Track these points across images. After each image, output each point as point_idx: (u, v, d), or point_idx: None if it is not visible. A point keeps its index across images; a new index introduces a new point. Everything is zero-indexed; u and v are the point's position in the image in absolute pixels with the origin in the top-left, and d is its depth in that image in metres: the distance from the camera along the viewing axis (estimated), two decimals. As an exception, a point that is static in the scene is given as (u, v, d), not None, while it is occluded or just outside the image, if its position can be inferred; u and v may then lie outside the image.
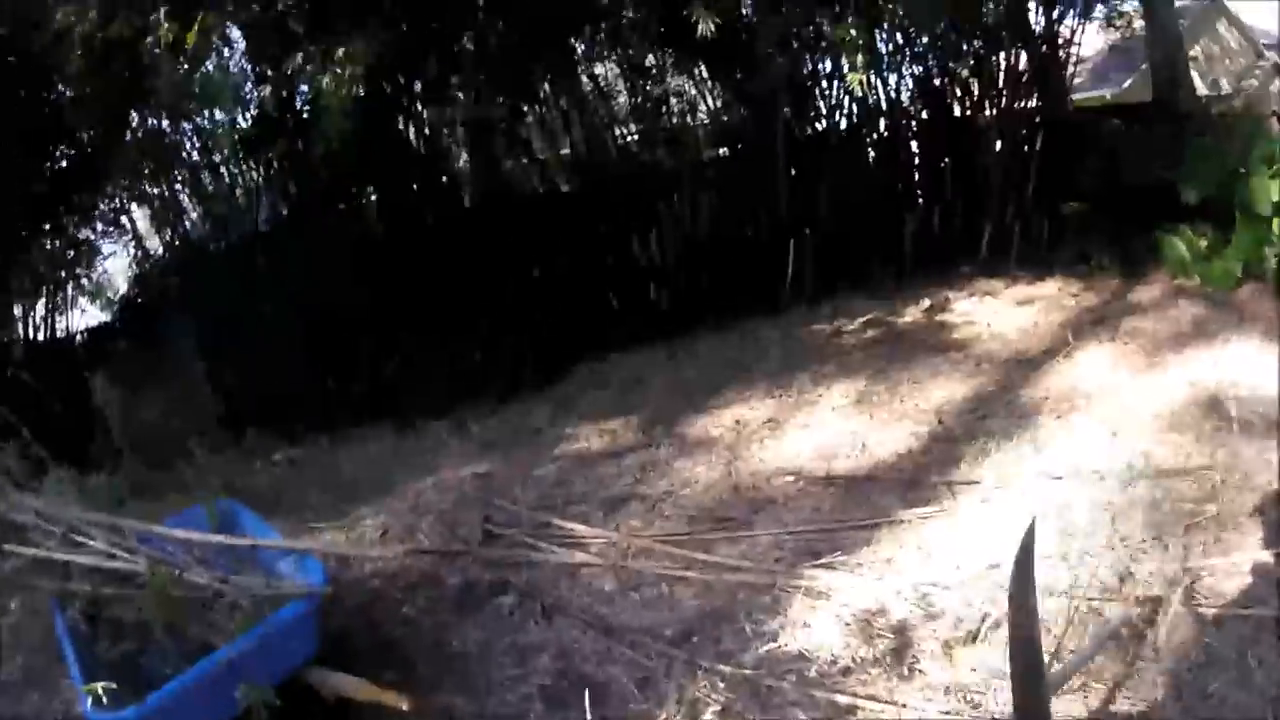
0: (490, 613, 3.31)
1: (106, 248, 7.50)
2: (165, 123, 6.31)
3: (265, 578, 2.82)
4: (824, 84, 6.36)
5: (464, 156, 5.84)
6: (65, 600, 2.88)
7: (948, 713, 2.32)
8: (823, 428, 4.31)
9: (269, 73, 4.90)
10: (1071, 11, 5.91)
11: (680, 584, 3.19)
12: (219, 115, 6.00)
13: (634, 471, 4.30)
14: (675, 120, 6.58)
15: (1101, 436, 3.57)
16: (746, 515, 3.63)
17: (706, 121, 6.56)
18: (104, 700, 2.31)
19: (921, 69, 6.18)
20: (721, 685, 2.60)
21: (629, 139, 6.64)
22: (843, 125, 6.33)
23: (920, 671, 2.49)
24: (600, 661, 2.89)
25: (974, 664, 2.47)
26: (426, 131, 6.21)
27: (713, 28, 4.62)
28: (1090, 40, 6.13)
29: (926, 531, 3.20)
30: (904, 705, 2.36)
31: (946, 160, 6.11)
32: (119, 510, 3.16)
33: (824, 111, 6.40)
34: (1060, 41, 5.94)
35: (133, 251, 7.34)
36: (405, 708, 2.57)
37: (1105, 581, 2.67)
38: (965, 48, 6.05)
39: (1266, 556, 2.62)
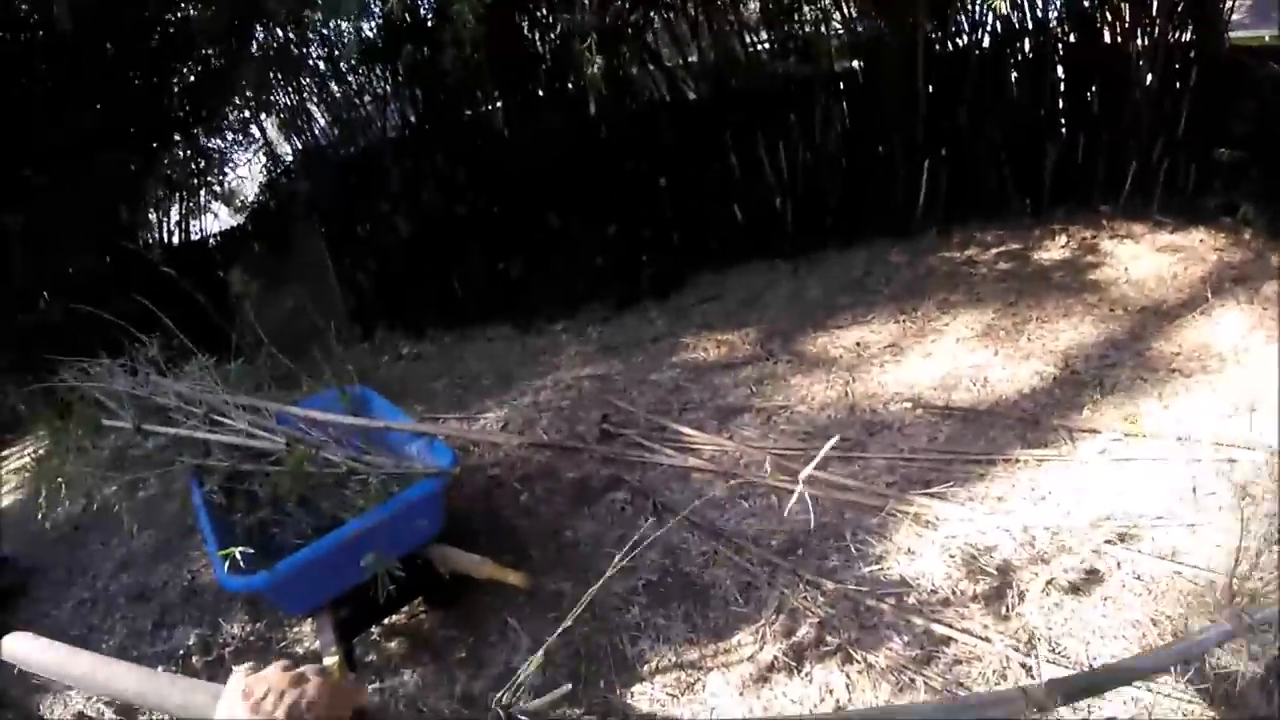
0: (603, 508, 3.49)
1: (238, 156, 7.88)
2: (290, 34, 6.44)
3: (395, 458, 2.97)
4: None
5: (592, 64, 5.79)
6: (203, 475, 3.00)
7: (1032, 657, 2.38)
8: (945, 357, 4.25)
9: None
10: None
11: (789, 497, 3.29)
12: (344, 25, 6.05)
13: (750, 384, 4.36)
14: (808, 28, 6.35)
15: (1230, 402, 3.37)
16: (861, 436, 3.66)
17: (841, 31, 6.30)
18: (241, 564, 2.43)
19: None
20: (821, 599, 2.70)
21: (759, 47, 6.45)
22: (986, 43, 5.98)
23: (1018, 614, 2.51)
24: (705, 564, 3.03)
25: (1069, 615, 2.48)
26: (554, 37, 6.18)
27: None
28: None
29: (1041, 474, 3.16)
30: (991, 643, 2.42)
31: (1093, 90, 5.76)
32: (257, 395, 3.29)
33: (965, 27, 6.06)
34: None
35: (263, 159, 7.67)
36: (522, 586, 2.76)
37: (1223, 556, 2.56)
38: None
39: None
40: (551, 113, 6.15)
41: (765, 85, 6.22)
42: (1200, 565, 2.54)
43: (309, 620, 3.06)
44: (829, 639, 2.53)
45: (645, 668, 2.61)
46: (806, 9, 6.20)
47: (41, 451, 5.89)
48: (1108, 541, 2.71)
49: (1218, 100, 5.22)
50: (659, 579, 2.99)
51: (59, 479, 3.20)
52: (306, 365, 3.86)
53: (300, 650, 3.07)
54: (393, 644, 3.00)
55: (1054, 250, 5.33)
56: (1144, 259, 4.92)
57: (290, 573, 2.49)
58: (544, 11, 6.00)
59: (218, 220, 8.12)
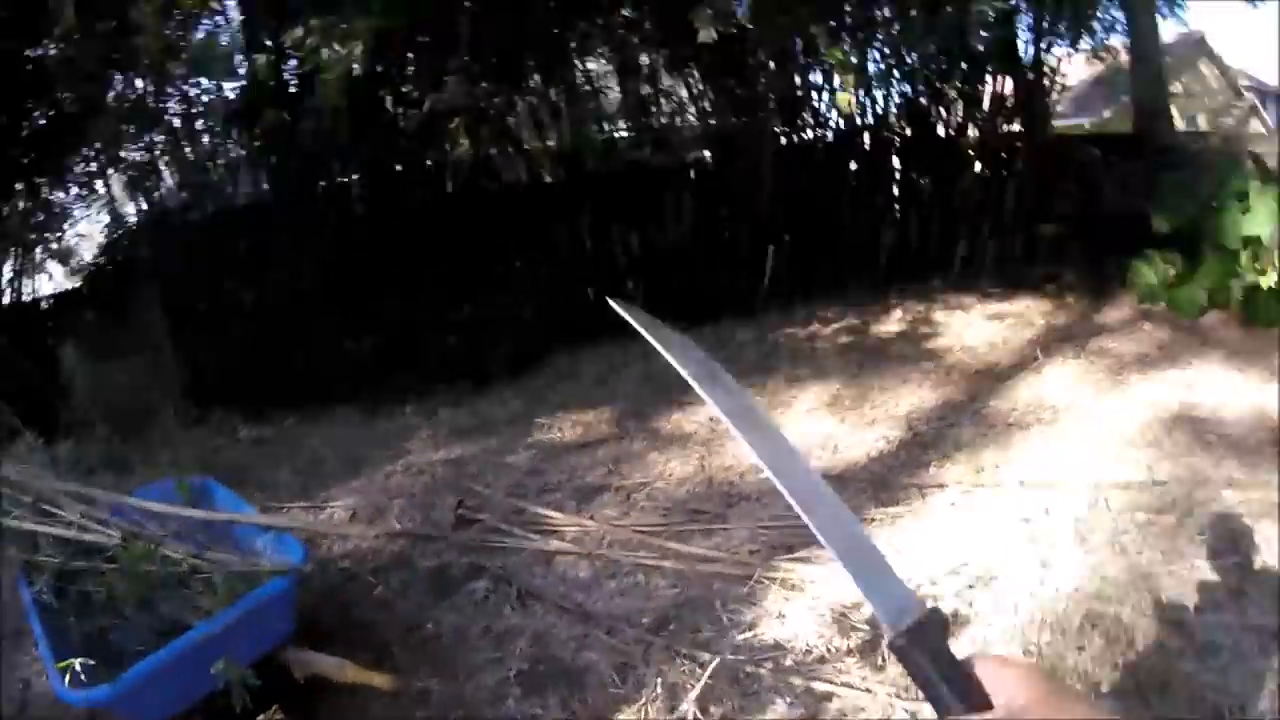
0: (464, 598, 3.31)
1: (79, 212, 7.29)
2: (150, 86, 6.14)
3: (241, 554, 2.76)
4: (813, 95, 6.45)
5: (452, 143, 5.78)
6: (33, 572, 2.75)
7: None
8: (795, 428, 4.39)
9: (267, 42, 4.80)
10: (1059, 42, 6.08)
11: (656, 574, 3.24)
12: (205, 83, 5.85)
13: (607, 463, 4.33)
14: (664, 120, 6.61)
15: (1065, 448, 3.69)
16: (721, 509, 3.69)
17: (695, 123, 6.59)
18: (81, 677, 2.22)
19: (909, 88, 6.30)
20: (699, 671, 2.64)
21: (616, 135, 6.65)
22: (829, 137, 6.43)
23: (893, 663, 2.55)
24: (578, 648, 2.91)
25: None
26: (417, 113, 6.16)
27: (714, 35, 4.64)
28: (1073, 70, 6.30)
29: (896, 531, 3.29)
30: (874, 694, 2.44)
31: (927, 178, 6.26)
32: (88, 480, 3.07)
33: (810, 123, 6.50)
34: (1046, 70, 6.09)
35: (106, 217, 7.17)
36: (387, 688, 2.57)
37: (1074, 586, 2.77)
38: (953, 70, 6.18)
39: (1209, 569, 2.75)
40: (409, 189, 6.07)
41: (620, 171, 6.40)
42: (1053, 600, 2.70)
43: None
44: (713, 709, 2.48)
45: (525, 763, 2.44)
46: (663, 102, 6.43)
47: None
48: (969, 586, 2.81)
49: (1042, 181, 5.78)
50: (530, 668, 2.84)
51: None
52: (141, 447, 3.57)
53: None
54: None
55: (891, 324, 5.66)
56: (976, 326, 5.29)
57: (134, 684, 2.24)
58: (409, 87, 5.96)
59: (51, 281, 7.46)
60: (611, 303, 0.95)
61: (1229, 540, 2.86)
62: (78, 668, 2.19)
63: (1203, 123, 11.86)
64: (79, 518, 2.81)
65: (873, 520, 3.36)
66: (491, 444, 4.84)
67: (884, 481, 3.70)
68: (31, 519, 2.81)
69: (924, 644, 0.62)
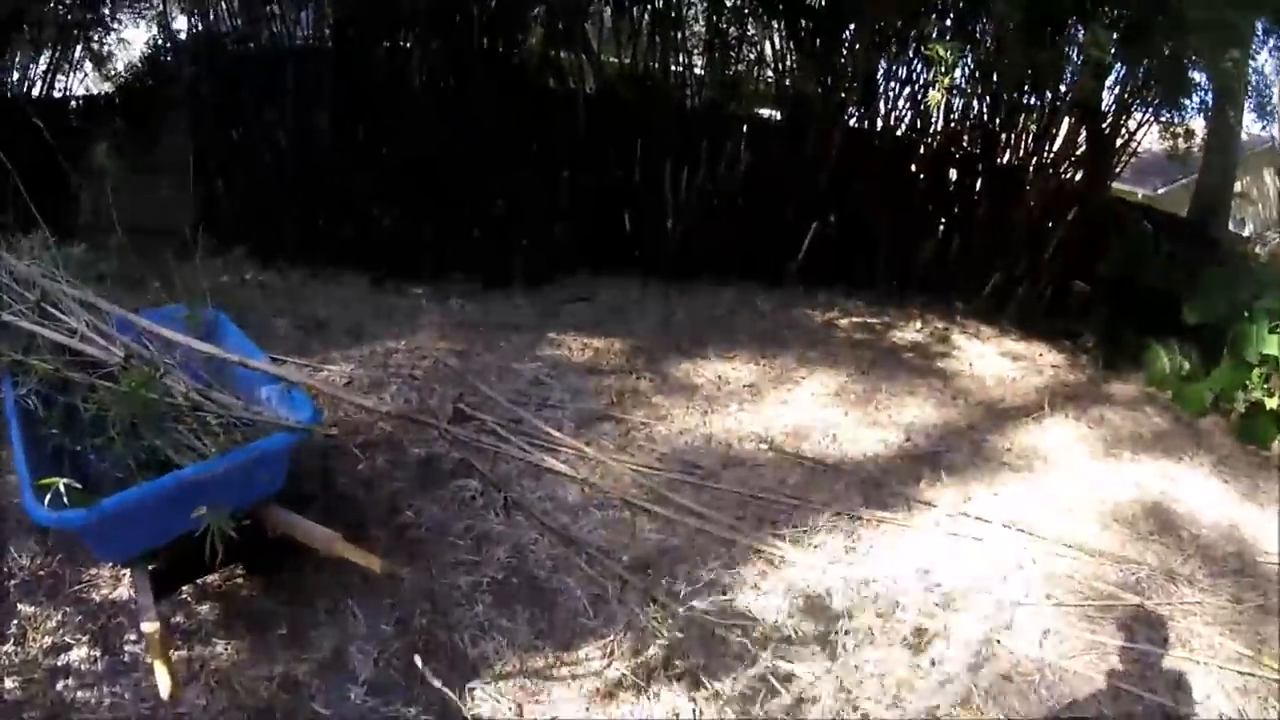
0: (450, 494, 3.32)
1: (126, 18, 6.94)
2: None
3: (244, 399, 2.67)
4: (895, 86, 6.35)
5: (525, 34, 5.61)
6: (19, 374, 2.62)
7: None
8: (799, 407, 4.41)
9: None
10: (1142, 106, 5.99)
11: (644, 515, 3.27)
12: None
13: (612, 394, 4.33)
14: (740, 68, 6.49)
15: (1052, 501, 3.75)
16: (715, 468, 3.72)
17: (771, 79, 6.47)
18: (64, 499, 2.08)
19: (989, 108, 6.21)
20: (670, 622, 2.69)
21: (691, 69, 6.51)
22: (899, 132, 6.36)
23: (856, 661, 2.63)
24: (555, 569, 2.95)
25: (898, 667, 2.63)
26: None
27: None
28: (1144, 139, 6.22)
29: (880, 534, 3.34)
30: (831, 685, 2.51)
31: (981, 200, 6.22)
32: (97, 290, 2.90)
33: (883, 111, 6.41)
34: (1123, 130, 6.03)
35: (154, 29, 6.89)
36: (378, 571, 2.48)
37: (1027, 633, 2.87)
38: (1033, 102, 6.11)
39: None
40: (471, 72, 5.88)
41: (684, 107, 6.27)
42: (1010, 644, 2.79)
43: (109, 565, 2.69)
44: (677, 662, 2.52)
45: (487, 671, 2.47)
46: (745, 49, 6.30)
47: None
48: (937, 605, 2.90)
49: (1088, 238, 5.74)
50: (505, 578, 2.88)
51: None
52: (153, 268, 3.46)
53: (96, 597, 2.63)
54: (204, 608, 2.63)
55: (910, 332, 5.68)
56: (989, 359, 5.33)
57: (111, 514, 2.15)
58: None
59: (84, 83, 7.18)
60: None
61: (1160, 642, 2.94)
62: (61, 488, 2.08)
63: (1250, 229, 11.81)
64: (83, 326, 2.69)
65: (860, 519, 3.41)
66: (499, 345, 4.81)
67: (876, 484, 3.75)
68: (30, 318, 2.68)
69: None
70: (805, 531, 3.29)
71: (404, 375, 4.29)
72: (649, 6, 6.13)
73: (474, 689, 2.40)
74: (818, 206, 6.08)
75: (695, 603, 2.79)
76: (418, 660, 2.45)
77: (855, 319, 5.82)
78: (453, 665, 2.48)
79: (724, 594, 2.87)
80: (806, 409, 4.43)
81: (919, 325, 5.79)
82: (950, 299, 6.13)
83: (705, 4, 6.32)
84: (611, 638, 2.63)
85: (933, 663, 2.67)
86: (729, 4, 6.18)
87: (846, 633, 2.75)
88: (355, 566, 2.51)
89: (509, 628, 2.65)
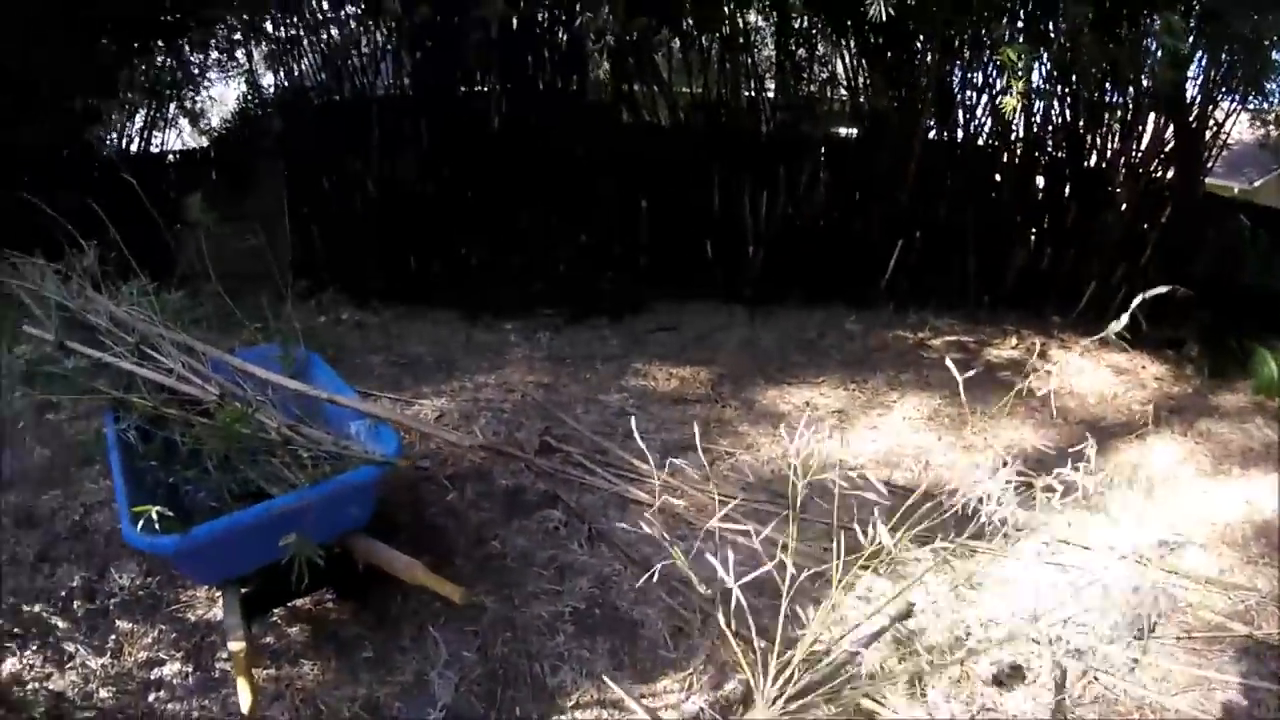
0: (535, 524, 3.37)
1: (216, 76, 7.55)
2: None
3: (334, 435, 2.79)
4: (972, 94, 6.20)
5: (596, 69, 5.71)
6: (120, 410, 2.80)
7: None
8: (890, 433, 4.30)
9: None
10: (1227, 95, 5.69)
11: (728, 546, 3.23)
12: None
13: (698, 423, 4.28)
14: (813, 89, 6.45)
15: (1156, 525, 3.53)
16: (802, 497, 3.65)
17: (845, 97, 6.41)
18: (156, 525, 2.20)
19: (1070, 109, 6.00)
20: (753, 656, 2.64)
21: (762, 93, 6.51)
22: (979, 141, 6.19)
23: (945, 699, 2.53)
24: (637, 600, 2.94)
25: (992, 705, 2.52)
26: (565, 34, 6.12)
27: (888, 13, 4.43)
28: (1233, 129, 5.87)
29: (976, 564, 3.19)
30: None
31: (1070, 206, 5.99)
32: (192, 332, 3.10)
33: (961, 121, 6.26)
34: (1211, 122, 5.73)
35: (242, 85, 7.35)
36: (457, 600, 2.55)
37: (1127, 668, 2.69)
38: (1117, 100, 5.87)
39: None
40: (546, 110, 6.03)
41: (759, 131, 6.26)
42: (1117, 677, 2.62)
43: (205, 587, 2.86)
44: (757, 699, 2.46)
45: (566, 701, 2.48)
46: (817, 69, 6.26)
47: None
48: (1033, 639, 2.74)
49: (1184, 239, 5.46)
50: (586, 608, 2.89)
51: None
52: (247, 310, 3.64)
53: (191, 617, 2.83)
54: (294, 629, 2.78)
55: (1004, 349, 5.48)
56: (1088, 374, 5.09)
57: (203, 541, 2.29)
58: (562, 7, 5.91)
59: (180, 138, 7.72)
60: None
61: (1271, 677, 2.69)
62: (154, 515, 2.19)
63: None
64: (180, 366, 2.86)
65: (953, 550, 3.29)
66: (585, 378, 4.87)
67: (971, 511, 3.59)
68: (130, 359, 2.86)
69: None
70: (895, 563, 3.19)
71: (493, 408, 4.39)
72: (717, 35, 6.16)
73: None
74: (902, 223, 5.96)
75: (776, 636, 2.74)
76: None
77: (948, 338, 5.65)
78: (532, 695, 2.50)
79: (809, 630, 2.81)
80: (898, 434, 4.31)
81: (1014, 342, 5.57)
82: (1045, 312, 5.90)
83: (773, 28, 6.30)
84: (691, 670, 2.60)
85: (1029, 700, 2.54)
86: (797, 26, 6.15)
87: (936, 667, 2.64)
88: (440, 595, 2.58)
89: (589, 658, 2.65)
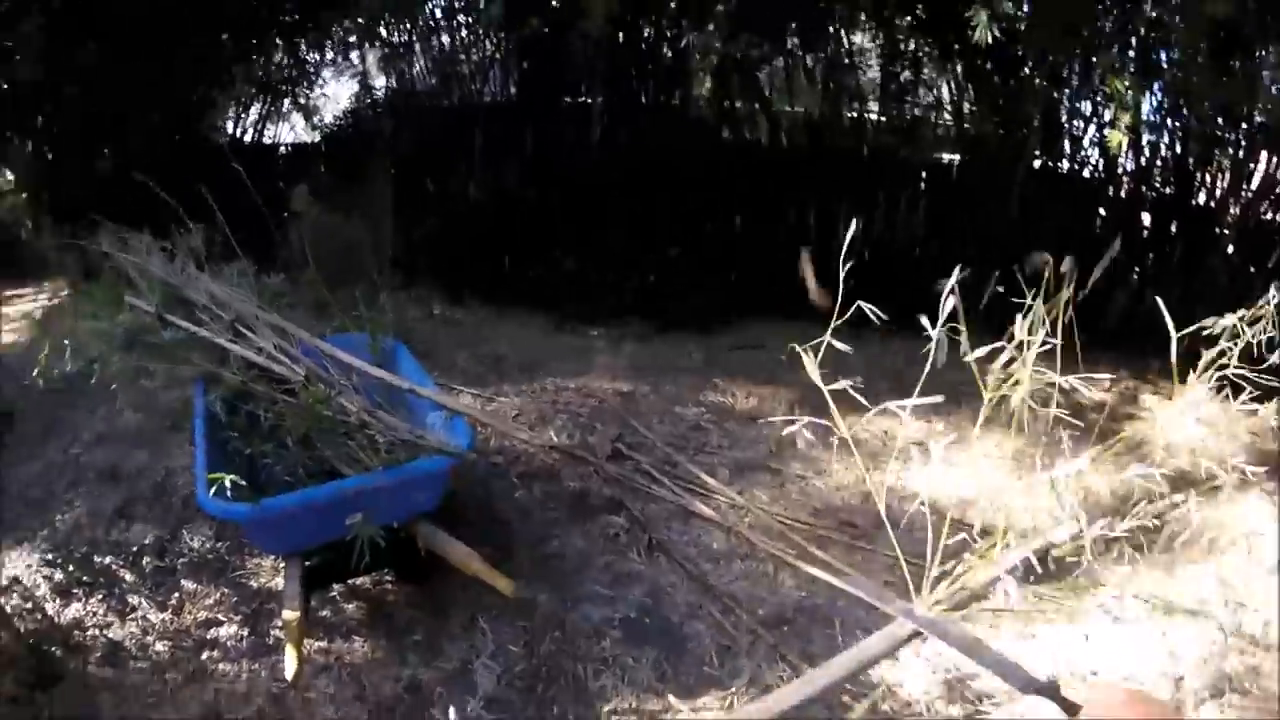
0: (597, 528, 3.41)
1: (329, 75, 7.92)
2: None
3: (411, 423, 2.90)
4: (1077, 124, 6.02)
5: (699, 87, 5.76)
6: (211, 384, 2.97)
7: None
8: (968, 470, 4.19)
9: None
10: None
11: (787, 570, 3.21)
12: None
13: (771, 444, 4.28)
14: (917, 113, 6.36)
15: (1233, 586, 3.33)
16: (869, 527, 3.59)
17: (949, 122, 6.30)
18: (228, 493, 2.34)
19: (1180, 145, 5.76)
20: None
21: (865, 115, 6.46)
22: (1084, 173, 5.99)
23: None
24: (688, 615, 2.95)
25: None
26: (671, 51, 6.20)
27: (992, 37, 4.36)
28: None
29: (1039, 612, 3.12)
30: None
31: (1177, 246, 5.74)
32: (287, 315, 3.26)
33: (1068, 152, 6.08)
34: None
35: (355, 85, 7.71)
36: (508, 593, 2.65)
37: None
38: (1228, 136, 5.60)
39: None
40: (647, 124, 6.12)
41: (861, 154, 6.21)
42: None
43: (271, 556, 3.02)
44: (797, 725, 2.46)
45: (605, 706, 2.53)
46: (921, 93, 6.18)
47: (53, 302, 5.87)
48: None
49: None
50: (637, 617, 2.92)
51: (65, 340, 3.18)
52: (343, 299, 3.80)
53: (254, 584, 3.01)
54: (351, 606, 2.92)
55: (1097, 392, 5.24)
56: (1180, 423, 4.84)
57: (275, 512, 2.44)
58: (668, 22, 5.99)
59: (292, 131, 8.12)
60: None
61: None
62: (227, 483, 2.35)
63: None
64: (270, 346, 3.01)
65: (1018, 595, 3.20)
66: (664, 389, 4.89)
67: (1041, 557, 3.49)
68: (225, 336, 3.03)
69: None
70: (956, 604, 3.13)
71: (570, 412, 4.46)
72: (823, 55, 6.13)
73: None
74: (1000, 254, 5.81)
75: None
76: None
77: (1037, 375, 5.48)
78: (573, 696, 2.55)
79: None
80: (976, 472, 4.18)
81: (1106, 385, 5.35)
82: (1143, 356, 5.66)
83: (879, 49, 6.24)
84: (733, 690, 2.60)
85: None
86: (902, 48, 6.08)
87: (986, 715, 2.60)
88: (494, 588, 2.68)
89: (633, 667, 2.68)
